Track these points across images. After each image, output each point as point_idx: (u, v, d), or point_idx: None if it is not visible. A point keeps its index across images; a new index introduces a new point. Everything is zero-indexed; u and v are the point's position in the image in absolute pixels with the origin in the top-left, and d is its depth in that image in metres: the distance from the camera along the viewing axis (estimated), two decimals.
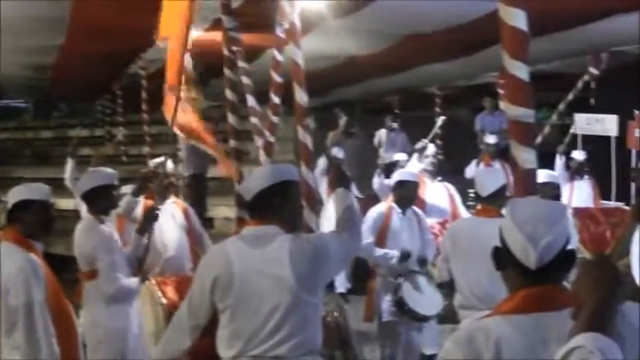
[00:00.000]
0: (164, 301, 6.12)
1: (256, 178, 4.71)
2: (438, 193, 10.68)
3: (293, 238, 4.62)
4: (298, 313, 4.50)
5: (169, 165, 8.17)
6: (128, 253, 6.86)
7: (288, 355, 4.48)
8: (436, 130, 12.46)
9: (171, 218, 7.83)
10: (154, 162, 8.31)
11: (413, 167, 10.74)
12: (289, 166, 4.93)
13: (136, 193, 7.50)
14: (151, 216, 6.96)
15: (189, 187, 14.41)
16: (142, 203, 7.62)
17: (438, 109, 18.68)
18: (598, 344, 2.23)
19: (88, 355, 6.80)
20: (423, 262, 8.24)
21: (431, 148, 11.05)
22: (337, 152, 12.68)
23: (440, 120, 12.42)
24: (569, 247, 2.97)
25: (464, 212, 10.44)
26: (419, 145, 11.09)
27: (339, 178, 5.22)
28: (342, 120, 16.51)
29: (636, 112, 13.24)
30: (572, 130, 13.96)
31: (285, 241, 4.57)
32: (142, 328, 6.66)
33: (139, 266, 6.79)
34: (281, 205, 4.70)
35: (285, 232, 4.63)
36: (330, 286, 10.65)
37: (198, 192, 14.60)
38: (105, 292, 6.59)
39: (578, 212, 11.07)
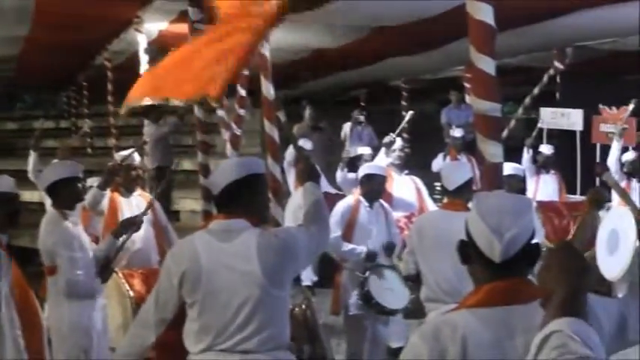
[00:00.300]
0: (132, 293, 6.10)
1: (223, 172, 4.67)
2: (405, 186, 10.67)
3: (261, 232, 4.60)
4: (266, 307, 4.47)
5: (136, 157, 8.12)
6: (97, 252, 6.77)
7: (257, 350, 4.46)
8: (404, 124, 12.46)
9: (138, 211, 7.78)
10: (120, 154, 8.25)
11: (381, 161, 10.73)
12: (256, 160, 4.91)
13: (102, 186, 7.45)
14: (129, 224, 6.91)
15: (154, 180, 14.36)
16: (108, 196, 7.58)
17: (404, 103, 18.74)
18: (575, 328, 2.24)
19: (53, 349, 6.75)
20: (390, 248, 8.23)
21: (398, 142, 11.04)
22: (305, 143, 12.65)
23: (408, 115, 12.42)
24: (535, 240, 2.98)
25: (431, 206, 10.45)
26: (387, 139, 11.06)
27: (307, 172, 5.18)
28: (307, 112, 16.50)
29: (601, 106, 13.33)
30: (539, 124, 14.02)
31: (253, 235, 4.54)
32: (108, 324, 6.61)
33: (107, 265, 6.70)
34: (248, 199, 4.67)
35: (252, 226, 4.60)
36: (297, 279, 10.64)
37: (163, 184, 14.52)
38: (62, 288, 6.50)
39: (542, 206, 11.13)
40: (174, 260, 4.66)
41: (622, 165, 11.42)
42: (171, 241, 7.98)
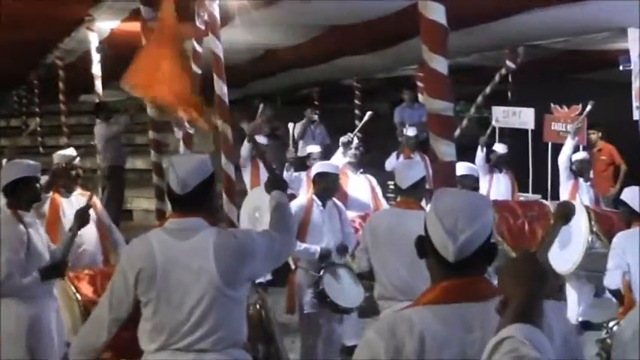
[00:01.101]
0: (79, 296, 6.03)
1: (195, 171, 4.57)
2: (360, 185, 10.70)
3: (219, 231, 4.58)
4: (221, 306, 4.45)
5: (73, 156, 8.04)
6: (56, 252, 6.68)
7: (212, 349, 4.44)
8: (363, 123, 12.48)
9: None
10: (58, 154, 8.15)
11: (338, 160, 10.74)
12: (208, 156, 4.87)
13: (45, 189, 7.37)
14: (83, 217, 6.84)
15: (107, 179, 14.28)
16: (50, 198, 7.51)
17: (357, 102, 18.79)
18: (527, 334, 2.26)
19: (2, 350, 6.67)
20: (343, 250, 8.24)
21: (354, 141, 11.05)
22: (261, 139, 12.65)
23: (367, 115, 12.44)
24: (492, 240, 2.99)
25: (385, 205, 10.48)
26: (345, 138, 11.07)
27: (273, 181, 5.19)
28: (264, 112, 16.46)
29: (552, 105, 13.45)
30: (493, 123, 14.11)
31: (211, 234, 4.52)
32: (63, 325, 6.54)
33: (60, 262, 6.62)
34: (208, 197, 4.68)
35: (210, 225, 4.59)
36: None
37: (116, 184, 14.46)
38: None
39: (497, 205, 11.20)
40: (130, 259, 4.61)
41: (571, 164, 11.54)
42: (115, 240, 7.92)
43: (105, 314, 4.62)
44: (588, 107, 12.28)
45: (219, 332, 4.44)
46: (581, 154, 11.75)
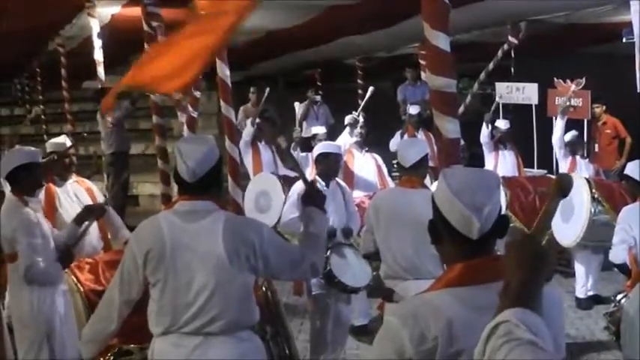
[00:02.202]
0: (80, 287, 6.05)
1: (204, 160, 4.54)
2: (366, 164, 10.72)
3: (228, 215, 4.60)
4: (229, 290, 4.45)
5: (66, 144, 8.02)
6: (57, 239, 6.71)
7: (220, 332, 4.45)
8: (366, 101, 12.46)
9: (76, 199, 7.70)
10: (50, 143, 8.14)
11: (345, 140, 10.72)
12: (213, 140, 4.85)
13: None
14: (89, 209, 6.87)
15: (112, 165, 14.27)
16: (44, 187, 7.52)
17: (360, 81, 18.77)
18: (522, 318, 2.25)
19: (15, 337, 6.71)
20: (348, 233, 8.23)
21: (359, 120, 11.04)
22: (250, 124, 12.67)
23: (369, 91, 12.41)
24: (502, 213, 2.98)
25: (391, 183, 10.49)
26: (350, 118, 11.06)
27: (310, 194, 5.05)
28: (251, 95, 16.45)
29: (556, 80, 13.41)
30: (496, 99, 14.08)
31: (220, 217, 4.53)
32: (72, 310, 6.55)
33: (67, 251, 6.64)
34: (219, 181, 4.70)
35: (219, 208, 4.60)
36: None
37: (120, 170, 14.45)
38: (22, 274, 6.45)
39: (508, 181, 11.21)
40: (139, 240, 4.62)
41: (565, 144, 11.58)
42: (114, 224, 7.90)
43: (116, 296, 4.62)
44: (581, 83, 12.30)
45: (227, 315, 4.44)
46: (570, 134, 11.76)
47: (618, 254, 7.36)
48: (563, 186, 3.03)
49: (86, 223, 6.83)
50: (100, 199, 8.06)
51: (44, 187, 7.39)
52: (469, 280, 2.84)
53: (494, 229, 2.87)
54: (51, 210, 7.55)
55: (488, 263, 2.75)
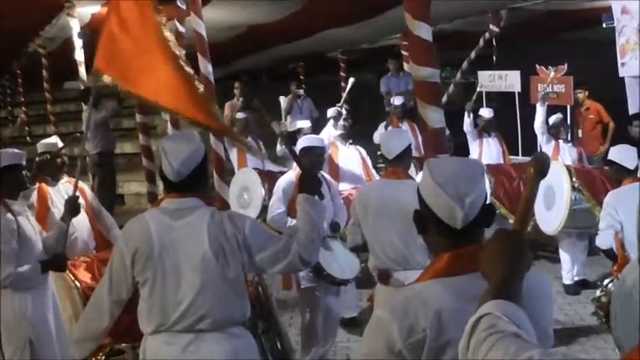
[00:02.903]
0: (77, 284, 6.04)
1: (189, 159, 4.51)
2: (350, 157, 10.71)
3: (213, 211, 4.57)
4: (217, 286, 4.45)
5: (58, 144, 8.01)
6: (47, 240, 6.66)
7: (212, 329, 4.45)
8: (347, 92, 12.46)
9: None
10: (42, 144, 8.12)
11: (329, 133, 10.71)
12: (198, 138, 4.82)
13: (32, 180, 7.36)
14: (73, 204, 6.84)
15: (98, 166, 14.22)
16: (36, 188, 7.49)
17: (343, 74, 18.78)
18: (505, 310, 2.25)
19: (2, 339, 6.68)
20: (335, 227, 8.23)
21: (343, 113, 11.02)
22: (239, 115, 12.67)
23: (350, 82, 12.40)
24: (487, 202, 2.99)
25: (376, 176, 10.49)
26: (333, 111, 11.05)
27: (306, 180, 4.88)
28: (236, 89, 16.45)
29: (538, 66, 13.44)
30: (478, 88, 14.10)
31: (205, 214, 4.51)
32: (60, 312, 6.53)
33: (58, 255, 6.61)
34: (204, 178, 4.69)
35: (206, 205, 4.58)
36: None
37: (107, 170, 14.41)
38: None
39: (492, 169, 11.24)
40: (126, 239, 4.60)
41: (549, 127, 11.61)
42: (106, 224, 7.89)
43: (105, 297, 4.61)
44: (563, 69, 12.34)
45: (217, 312, 4.44)
46: (554, 117, 11.79)
47: (605, 240, 7.39)
48: (541, 166, 3.05)
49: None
50: (92, 198, 8.06)
51: (36, 187, 7.37)
52: (456, 270, 2.86)
53: (480, 217, 2.89)
54: (44, 210, 7.53)
55: (475, 252, 2.71)
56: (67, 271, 6.17)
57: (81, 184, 8.09)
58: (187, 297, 4.41)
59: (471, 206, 2.84)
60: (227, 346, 4.49)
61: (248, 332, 4.73)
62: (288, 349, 4.97)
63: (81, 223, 7.69)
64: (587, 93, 14.42)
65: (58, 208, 7.49)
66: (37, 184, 7.49)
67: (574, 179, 9.51)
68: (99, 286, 4.75)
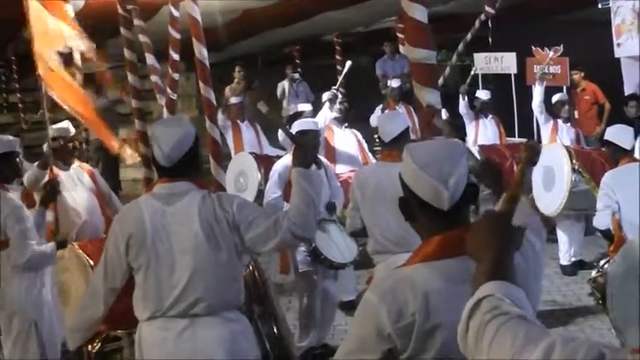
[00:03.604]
0: (92, 262, 6.07)
1: (179, 144, 4.49)
2: (346, 140, 10.70)
3: (204, 195, 4.54)
4: (211, 270, 4.44)
5: (70, 129, 8.01)
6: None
7: (207, 314, 4.45)
8: (344, 75, 12.43)
9: (79, 183, 7.73)
10: (54, 127, 8.13)
11: (325, 116, 10.70)
12: (189, 122, 4.79)
13: (43, 166, 7.38)
14: (52, 187, 6.84)
15: (101, 151, 14.20)
16: (48, 172, 7.51)
17: (338, 57, 18.74)
18: (505, 291, 2.23)
19: (2, 325, 6.70)
20: (331, 208, 8.22)
21: (339, 96, 10.99)
22: (233, 100, 12.64)
23: (346, 66, 12.37)
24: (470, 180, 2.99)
25: (372, 159, 10.48)
26: (329, 94, 11.02)
27: (300, 154, 4.76)
28: (237, 73, 16.44)
29: (533, 48, 13.44)
30: (473, 71, 14.09)
31: (196, 197, 4.50)
32: (61, 296, 6.53)
33: (51, 234, 6.65)
34: (197, 162, 4.66)
35: (198, 188, 4.57)
36: None
37: (110, 155, 14.38)
38: (18, 260, 6.41)
39: (485, 149, 11.25)
40: (120, 225, 4.60)
41: (552, 105, 11.61)
42: (116, 209, 7.91)
43: (100, 284, 4.62)
44: (559, 50, 12.34)
45: (211, 296, 4.44)
46: (558, 95, 11.80)
47: (602, 220, 7.40)
48: (531, 155, 3.06)
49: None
50: (102, 183, 8.09)
51: (47, 172, 7.38)
52: (445, 253, 2.86)
53: (465, 197, 2.90)
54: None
55: (464, 235, 2.69)
56: (81, 250, 6.20)
57: (92, 168, 8.13)
58: (181, 281, 4.41)
59: (456, 186, 2.85)
60: (222, 331, 4.49)
61: (244, 317, 4.72)
62: (284, 333, 4.96)
63: (91, 207, 7.73)
64: (582, 74, 14.43)
65: (69, 192, 7.52)
66: (49, 169, 7.51)
67: (574, 161, 9.52)
68: (95, 274, 4.76)
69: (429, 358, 2.83)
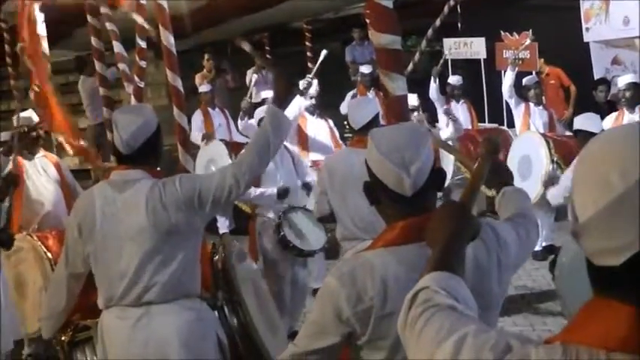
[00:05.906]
0: (49, 255, 6.04)
1: (138, 131, 4.48)
2: (319, 127, 10.70)
3: (154, 182, 4.51)
4: (160, 258, 4.43)
5: (34, 118, 7.96)
6: None
7: (161, 301, 4.45)
8: (319, 64, 12.41)
9: (44, 173, 7.68)
10: (20, 117, 8.07)
11: (297, 105, 10.68)
12: (151, 110, 4.76)
13: (6, 152, 7.34)
14: (9, 180, 6.81)
15: (102, 136, 14.08)
16: (12, 161, 7.47)
17: (308, 44, 18.70)
18: (442, 282, 2.19)
19: None
20: (308, 187, 8.24)
21: (314, 84, 10.96)
22: (203, 88, 12.62)
23: (322, 54, 12.35)
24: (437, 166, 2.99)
25: (344, 146, 10.48)
26: (304, 83, 10.99)
27: (278, 85, 4.94)
28: (206, 59, 16.38)
29: (503, 33, 13.46)
30: (444, 56, 14.08)
31: (145, 186, 4.48)
32: (18, 288, 6.51)
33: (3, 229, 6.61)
34: (156, 151, 4.65)
35: (151, 177, 4.54)
36: (213, 228, 10.63)
37: (106, 140, 14.28)
38: None
39: (459, 139, 11.25)
40: (74, 212, 4.65)
41: (522, 88, 11.61)
42: None
43: (62, 271, 4.66)
44: (531, 37, 12.37)
45: (163, 283, 4.43)
46: (528, 77, 11.82)
47: (557, 196, 7.57)
48: (492, 148, 3.08)
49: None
50: (67, 173, 8.04)
51: (11, 160, 7.34)
52: (407, 239, 2.87)
53: (430, 182, 2.90)
54: (20, 183, 7.53)
55: (427, 221, 2.66)
56: (39, 242, 6.17)
57: (57, 157, 8.09)
58: (130, 269, 4.42)
59: (418, 173, 2.84)
60: (179, 319, 4.49)
61: (204, 304, 4.73)
62: (250, 321, 4.93)
63: (55, 198, 7.69)
64: (542, 60, 14.43)
65: (33, 182, 7.49)
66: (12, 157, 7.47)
67: (553, 152, 9.53)
68: (58, 262, 4.77)
69: (388, 345, 2.84)
